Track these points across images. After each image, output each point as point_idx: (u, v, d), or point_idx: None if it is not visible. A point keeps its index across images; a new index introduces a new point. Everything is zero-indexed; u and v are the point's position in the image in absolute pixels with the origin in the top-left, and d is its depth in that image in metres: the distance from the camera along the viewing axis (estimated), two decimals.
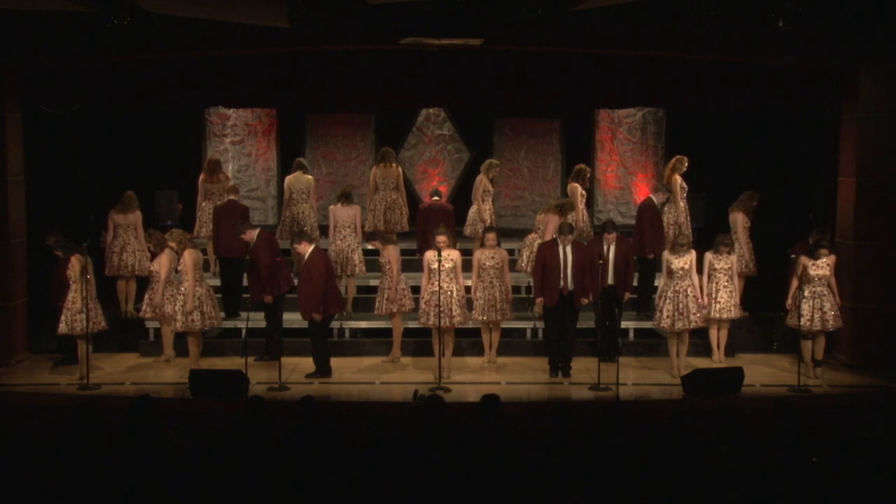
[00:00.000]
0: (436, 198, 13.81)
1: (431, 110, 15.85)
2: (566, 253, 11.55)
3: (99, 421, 7.12)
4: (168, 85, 13.10)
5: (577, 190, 13.27)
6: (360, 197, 14.14)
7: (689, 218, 13.31)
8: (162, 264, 11.81)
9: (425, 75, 13.25)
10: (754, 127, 14.80)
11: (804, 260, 11.52)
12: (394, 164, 13.76)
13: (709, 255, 11.83)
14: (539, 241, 12.46)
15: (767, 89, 13.20)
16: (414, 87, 13.52)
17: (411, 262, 13.15)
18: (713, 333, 12.12)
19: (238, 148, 15.68)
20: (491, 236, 11.94)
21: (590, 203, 14.71)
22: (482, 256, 11.84)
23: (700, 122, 14.97)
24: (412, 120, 15.91)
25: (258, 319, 12.24)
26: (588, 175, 13.54)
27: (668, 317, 11.51)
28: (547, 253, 11.65)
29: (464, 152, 15.92)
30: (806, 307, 11.43)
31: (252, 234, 12.08)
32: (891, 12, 11.55)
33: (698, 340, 12.26)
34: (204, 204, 13.65)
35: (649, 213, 12.88)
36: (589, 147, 15.68)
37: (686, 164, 13.39)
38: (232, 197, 13.25)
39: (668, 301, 11.53)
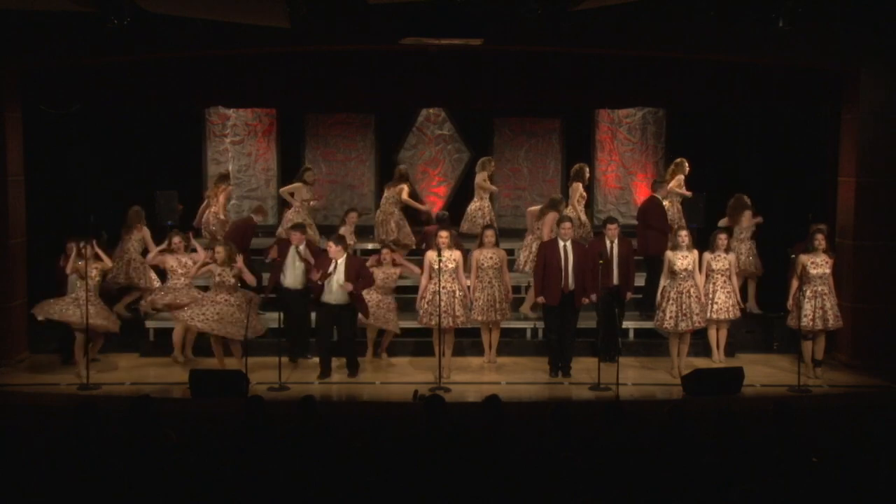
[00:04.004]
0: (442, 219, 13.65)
1: (431, 110, 15.85)
2: (567, 252, 11.55)
3: (99, 421, 7.13)
4: (168, 85, 13.11)
5: (579, 190, 13.27)
6: (358, 197, 14.13)
7: (683, 220, 13.28)
8: (166, 260, 12.05)
9: (425, 75, 13.26)
10: (754, 127, 14.79)
11: (804, 259, 11.52)
12: (404, 186, 13.74)
13: (706, 255, 11.81)
14: (537, 241, 12.46)
15: (767, 89, 13.20)
16: (414, 87, 13.52)
17: (417, 263, 13.07)
18: (712, 334, 12.10)
19: (238, 148, 15.68)
20: (489, 233, 11.89)
21: (590, 203, 14.69)
22: (481, 256, 11.82)
23: (700, 122, 14.96)
24: (412, 120, 15.91)
25: (271, 319, 12.11)
26: (587, 173, 13.53)
27: (670, 317, 11.49)
28: (548, 252, 11.63)
29: (464, 152, 15.92)
30: (808, 306, 11.42)
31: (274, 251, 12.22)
32: (891, 12, 11.54)
33: (698, 340, 12.25)
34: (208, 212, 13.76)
35: (655, 213, 12.86)
36: (589, 147, 15.68)
37: (687, 167, 13.38)
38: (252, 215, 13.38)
39: (671, 302, 11.51)
